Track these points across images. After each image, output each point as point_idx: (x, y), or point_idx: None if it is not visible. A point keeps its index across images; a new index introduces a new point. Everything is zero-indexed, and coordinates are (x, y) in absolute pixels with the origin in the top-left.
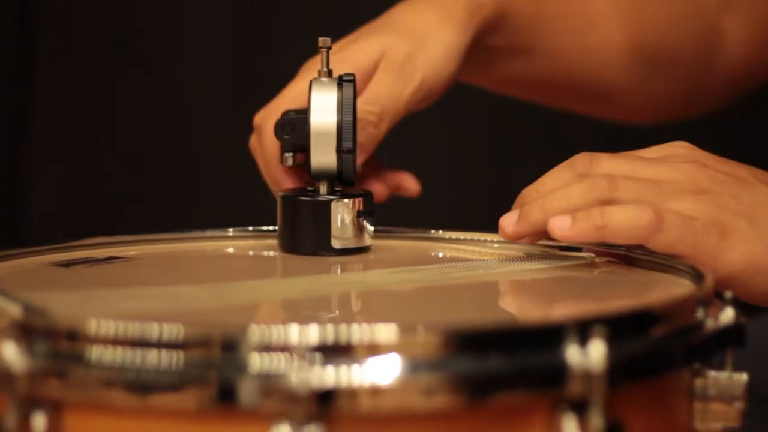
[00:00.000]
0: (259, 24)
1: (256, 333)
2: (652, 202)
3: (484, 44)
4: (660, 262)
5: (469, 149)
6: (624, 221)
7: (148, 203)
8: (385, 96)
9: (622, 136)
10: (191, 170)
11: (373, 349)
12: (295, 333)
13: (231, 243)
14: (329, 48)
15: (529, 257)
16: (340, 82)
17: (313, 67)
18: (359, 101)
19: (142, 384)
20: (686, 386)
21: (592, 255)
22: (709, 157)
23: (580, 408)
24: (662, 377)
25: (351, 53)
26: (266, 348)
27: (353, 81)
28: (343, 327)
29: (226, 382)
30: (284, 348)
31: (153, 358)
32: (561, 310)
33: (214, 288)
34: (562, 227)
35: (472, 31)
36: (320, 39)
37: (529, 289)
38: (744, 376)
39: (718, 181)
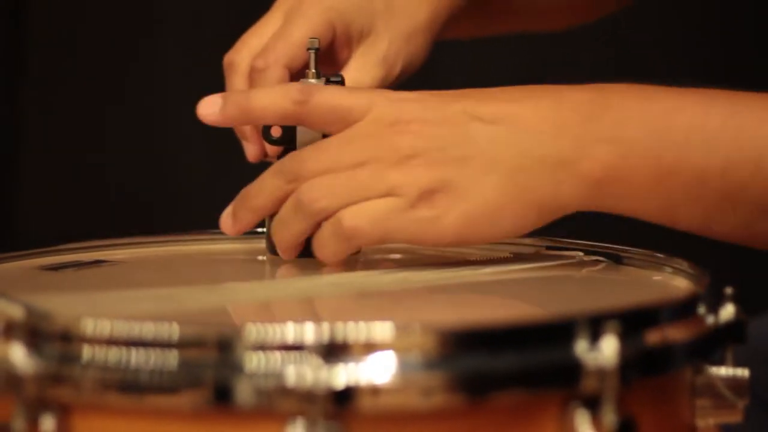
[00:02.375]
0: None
1: (252, 332)
2: (346, 206)
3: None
4: (648, 260)
5: None
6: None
7: (138, 206)
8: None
9: None
10: (181, 172)
11: (371, 348)
12: (291, 332)
13: (218, 246)
14: (317, 49)
15: (516, 257)
16: (328, 82)
17: (285, 2)
18: None
19: (150, 385)
20: (689, 383)
21: (581, 254)
22: (414, 105)
23: (592, 404)
24: (668, 374)
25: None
26: (262, 347)
27: (341, 82)
28: (339, 325)
29: (222, 382)
30: (280, 347)
31: (163, 359)
32: (567, 307)
33: (208, 290)
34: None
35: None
36: (309, 39)
37: (521, 288)
38: (745, 372)
39: (423, 137)
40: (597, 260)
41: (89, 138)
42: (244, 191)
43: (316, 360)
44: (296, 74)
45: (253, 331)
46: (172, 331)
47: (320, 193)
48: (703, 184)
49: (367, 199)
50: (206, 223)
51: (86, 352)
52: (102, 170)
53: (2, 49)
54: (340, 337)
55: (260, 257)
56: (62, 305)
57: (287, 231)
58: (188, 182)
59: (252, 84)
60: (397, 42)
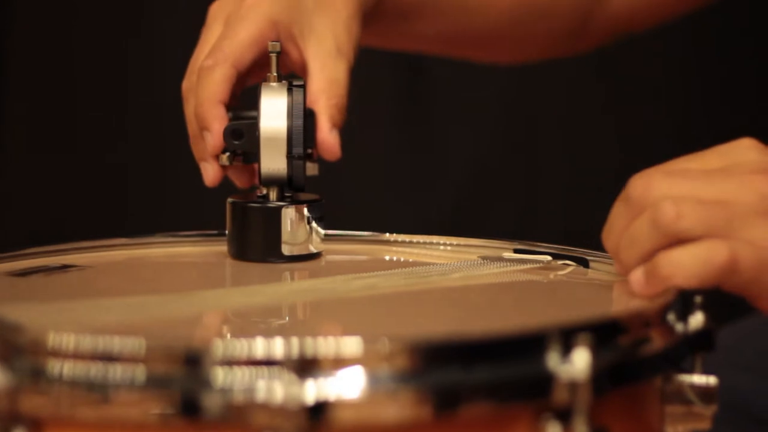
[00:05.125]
0: None
1: (219, 347)
2: (722, 233)
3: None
4: (613, 263)
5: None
6: (696, 267)
7: (124, 207)
8: (345, 82)
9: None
10: (167, 174)
11: (341, 363)
12: (260, 347)
13: (184, 249)
14: (279, 52)
15: (485, 261)
16: (290, 87)
17: (219, 11)
18: (323, 97)
19: (118, 399)
20: (658, 391)
21: (549, 258)
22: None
23: (564, 417)
24: (639, 383)
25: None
26: (230, 362)
27: (303, 86)
28: (309, 340)
29: (190, 396)
30: (249, 362)
31: (132, 373)
32: (537, 316)
33: (176, 298)
34: (637, 288)
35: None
36: (270, 43)
37: (491, 295)
38: (713, 380)
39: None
40: (565, 264)
41: (70, 139)
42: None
43: (288, 375)
44: (244, 74)
45: (221, 346)
46: (140, 345)
47: (695, 217)
48: None
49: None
50: (195, 224)
51: (56, 365)
52: (84, 171)
53: None
54: (310, 352)
55: (228, 261)
56: (32, 316)
57: (632, 247)
58: (177, 184)
59: (199, 82)
60: (340, 34)
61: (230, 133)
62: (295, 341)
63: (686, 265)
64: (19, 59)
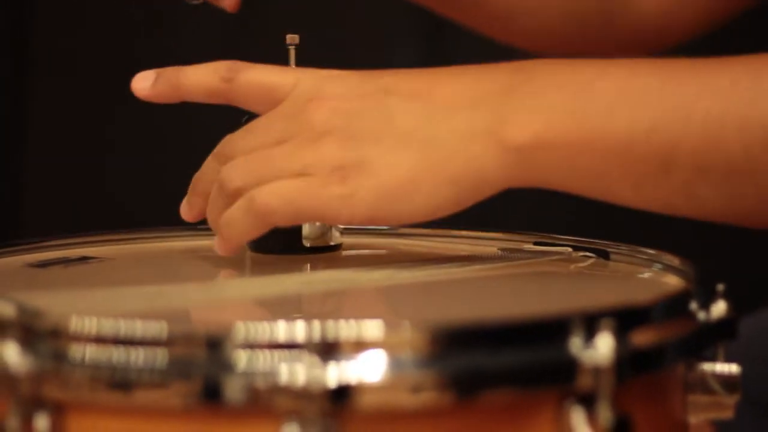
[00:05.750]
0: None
1: (241, 330)
2: (264, 180)
3: None
4: (637, 256)
5: None
6: (242, 221)
7: (142, 205)
8: None
9: None
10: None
11: (362, 346)
12: (282, 330)
13: (204, 242)
14: (297, 45)
15: (505, 253)
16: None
17: None
18: None
19: (140, 383)
20: (681, 379)
21: (569, 249)
22: (335, 82)
23: (588, 402)
24: (661, 371)
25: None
26: (251, 345)
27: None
28: (330, 324)
29: (211, 380)
30: (270, 345)
31: (153, 357)
32: (559, 304)
33: (196, 287)
34: (220, 251)
35: None
36: (288, 36)
37: (511, 284)
38: (736, 368)
39: (338, 113)
40: (585, 256)
41: (93, 135)
42: (194, 177)
43: (310, 358)
44: None
45: (243, 330)
46: (162, 329)
47: (236, 173)
48: (630, 148)
49: (281, 178)
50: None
51: (78, 350)
52: (105, 168)
53: (7, 43)
54: (332, 335)
55: (247, 254)
56: (53, 303)
57: (213, 213)
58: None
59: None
60: None
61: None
62: (317, 324)
63: (235, 221)
64: (42, 50)
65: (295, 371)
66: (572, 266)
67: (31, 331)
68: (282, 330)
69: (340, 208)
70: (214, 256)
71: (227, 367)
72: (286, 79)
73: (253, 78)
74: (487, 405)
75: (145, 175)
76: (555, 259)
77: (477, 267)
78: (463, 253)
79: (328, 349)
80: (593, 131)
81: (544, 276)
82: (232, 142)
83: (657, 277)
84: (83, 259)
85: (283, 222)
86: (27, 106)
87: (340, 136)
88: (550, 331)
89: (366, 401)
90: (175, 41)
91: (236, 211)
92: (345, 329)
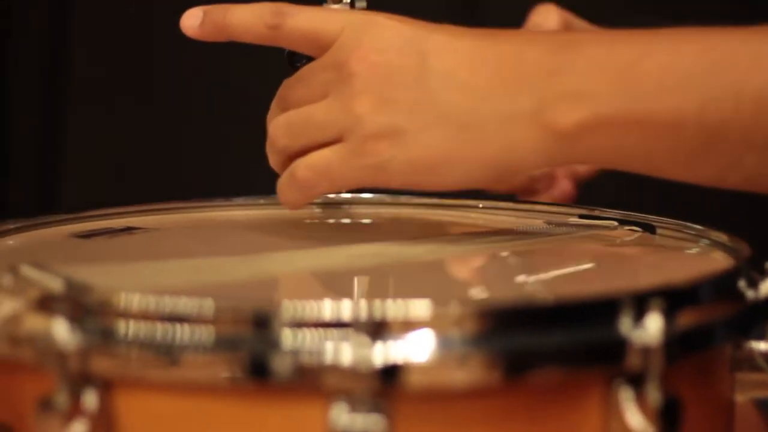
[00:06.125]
0: None
1: (288, 308)
2: (302, 147)
3: None
4: (684, 232)
5: None
6: (291, 188)
7: (181, 178)
8: None
9: None
10: (224, 147)
11: (410, 325)
12: (329, 309)
13: (241, 212)
14: None
15: (550, 225)
16: (352, 4)
17: None
18: None
19: (187, 360)
20: (729, 358)
21: (615, 223)
22: (381, 33)
23: (636, 383)
24: (709, 350)
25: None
26: (299, 324)
27: (365, 7)
28: (378, 303)
29: (258, 357)
30: (317, 324)
31: (201, 334)
32: (607, 282)
33: (243, 260)
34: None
35: None
36: None
37: (557, 260)
38: None
39: (376, 70)
40: (631, 230)
41: (135, 108)
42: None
43: (359, 337)
44: None
45: (291, 308)
46: (209, 306)
47: (280, 131)
48: (680, 127)
49: (319, 141)
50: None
51: (126, 326)
52: (147, 141)
53: (48, 22)
54: (380, 314)
55: (307, 221)
56: (101, 277)
57: (272, 163)
58: (229, 158)
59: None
60: None
61: (292, 56)
62: (365, 303)
63: (284, 192)
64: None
65: (344, 350)
66: (618, 240)
67: (79, 307)
68: (330, 308)
69: (374, 178)
70: (259, 226)
71: (274, 344)
72: (332, 26)
73: (298, 25)
74: (535, 384)
75: (184, 147)
76: (600, 233)
77: (523, 241)
78: (507, 226)
79: (377, 328)
80: (640, 113)
81: (590, 251)
82: (287, 89)
83: (704, 253)
84: (128, 229)
85: (325, 192)
86: (66, 80)
87: (377, 97)
88: (600, 311)
89: (414, 380)
90: None
91: (283, 183)
92: (393, 308)
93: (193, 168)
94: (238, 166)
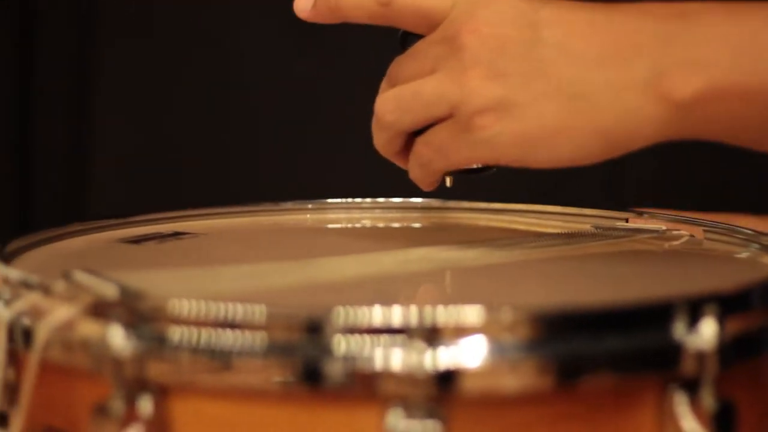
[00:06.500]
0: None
1: (341, 315)
2: (412, 122)
3: None
4: (732, 236)
5: None
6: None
7: (211, 182)
8: None
9: None
10: (255, 152)
11: (463, 331)
12: (381, 315)
13: (286, 218)
14: None
15: (599, 230)
16: None
17: None
18: None
19: (240, 366)
20: None
21: (663, 227)
22: (491, 7)
23: (691, 388)
24: (763, 355)
25: None
26: (352, 330)
27: None
28: (431, 308)
29: (311, 363)
30: (371, 330)
31: (253, 340)
32: (657, 286)
33: (294, 266)
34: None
35: None
36: None
37: (608, 264)
38: None
39: (488, 42)
40: (679, 233)
41: (162, 112)
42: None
43: (414, 343)
44: None
45: (342, 314)
46: (262, 312)
47: (388, 107)
48: None
49: (428, 116)
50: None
51: (180, 332)
52: (174, 145)
53: (73, 25)
54: (434, 320)
55: (331, 225)
56: (153, 283)
57: (377, 141)
58: (263, 163)
59: None
60: None
61: (405, 37)
62: (417, 309)
63: (415, 174)
64: (110, 34)
65: (399, 356)
66: (666, 245)
67: (134, 313)
68: (382, 315)
69: (484, 154)
70: (306, 231)
71: (327, 351)
72: (444, 2)
73: (410, 1)
74: (588, 390)
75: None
76: (649, 237)
77: (571, 245)
78: (555, 230)
79: (430, 334)
80: (759, 84)
81: (640, 256)
82: (397, 65)
83: (754, 258)
84: (176, 234)
85: (446, 169)
86: (92, 84)
87: (488, 70)
88: (653, 317)
89: (468, 386)
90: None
91: (411, 160)
92: (445, 314)
93: (221, 174)
94: (271, 171)
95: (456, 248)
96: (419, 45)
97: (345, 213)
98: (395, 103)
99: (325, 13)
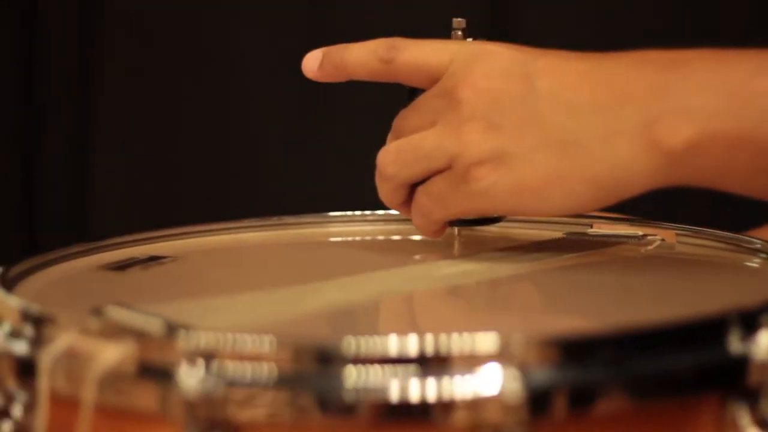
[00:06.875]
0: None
1: (351, 345)
2: (411, 175)
3: None
4: (739, 245)
5: None
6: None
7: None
8: None
9: None
10: (256, 168)
11: (477, 360)
12: (393, 344)
13: (256, 234)
14: (464, 29)
15: (570, 237)
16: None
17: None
18: None
19: (332, 402)
20: None
21: (639, 233)
22: (487, 61)
23: (750, 399)
24: None
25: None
26: (362, 360)
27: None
28: (443, 337)
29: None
30: (381, 360)
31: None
32: (698, 302)
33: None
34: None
35: None
36: (454, 20)
37: (619, 277)
38: None
39: (483, 95)
40: (651, 238)
41: (162, 134)
42: None
43: (419, 372)
44: None
45: (353, 344)
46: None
47: (389, 159)
48: None
49: (428, 168)
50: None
51: (251, 368)
52: (175, 166)
53: (75, 44)
54: (446, 349)
55: (332, 239)
56: (183, 317)
57: (381, 192)
58: (264, 178)
59: None
60: None
61: (411, 93)
62: (429, 338)
63: (417, 222)
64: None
65: (406, 386)
66: (642, 249)
67: (192, 350)
68: (393, 344)
69: (480, 204)
70: (280, 250)
71: (337, 381)
72: (442, 58)
73: (410, 58)
74: (657, 409)
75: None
76: (659, 248)
77: (568, 256)
78: (527, 238)
79: (441, 363)
80: (750, 132)
81: (638, 264)
82: (400, 119)
83: (742, 259)
84: (153, 258)
85: (445, 219)
86: (93, 106)
87: (484, 123)
88: (708, 331)
89: (489, 415)
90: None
91: (414, 215)
92: (458, 343)
93: (221, 177)
94: (268, 188)
95: (460, 262)
96: (421, 99)
97: (341, 226)
98: (396, 156)
99: (331, 72)
